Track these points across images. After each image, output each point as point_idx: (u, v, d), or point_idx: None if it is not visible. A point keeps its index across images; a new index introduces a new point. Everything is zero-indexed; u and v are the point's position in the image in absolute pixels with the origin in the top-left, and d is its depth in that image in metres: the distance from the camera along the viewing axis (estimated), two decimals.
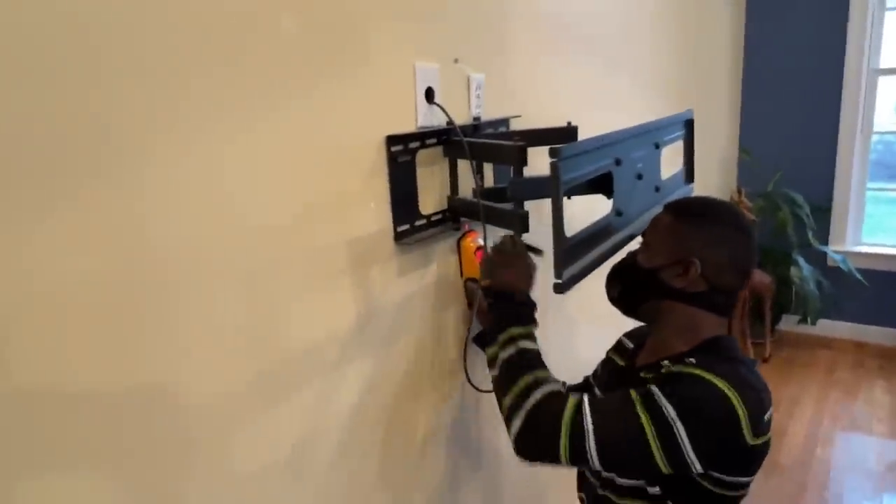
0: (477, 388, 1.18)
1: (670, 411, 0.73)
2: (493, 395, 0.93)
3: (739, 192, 3.22)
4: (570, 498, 1.82)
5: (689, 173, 1.36)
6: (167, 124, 0.69)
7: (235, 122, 0.75)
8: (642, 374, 0.88)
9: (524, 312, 0.95)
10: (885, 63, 3.22)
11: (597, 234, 0.92)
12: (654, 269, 0.89)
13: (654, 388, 0.75)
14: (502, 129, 1.28)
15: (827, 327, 3.45)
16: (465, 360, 1.12)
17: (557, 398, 0.82)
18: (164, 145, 0.69)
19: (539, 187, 1.01)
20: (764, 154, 3.40)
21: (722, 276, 0.87)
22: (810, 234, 3.26)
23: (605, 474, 0.88)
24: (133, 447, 0.69)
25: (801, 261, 3.21)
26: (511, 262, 0.99)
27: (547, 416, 0.80)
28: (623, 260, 0.98)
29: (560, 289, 0.78)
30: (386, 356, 1.05)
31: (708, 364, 0.79)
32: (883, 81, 3.27)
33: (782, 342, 3.44)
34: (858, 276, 3.19)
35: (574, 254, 0.83)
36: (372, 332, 1.01)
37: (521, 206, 0.99)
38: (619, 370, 0.97)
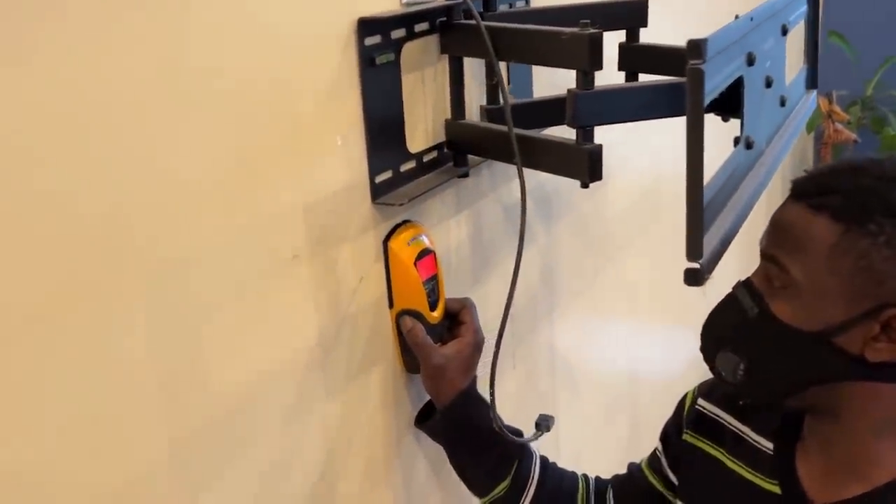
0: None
1: None
2: None
3: (829, 98, 3.30)
4: None
5: (812, 73, 1.35)
6: None
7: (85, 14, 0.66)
8: None
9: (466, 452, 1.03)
10: None
11: (726, 183, 0.88)
12: (820, 333, 0.78)
13: None
14: (521, 4, 1.23)
15: None
16: (492, 391, 1.07)
17: None
18: None
19: (617, 104, 0.97)
20: (862, 38, 3.48)
21: None
22: None
23: None
24: None
25: None
26: (420, 360, 1.01)
27: None
28: (730, 303, 0.85)
29: (695, 278, 0.73)
30: (363, 392, 1.00)
31: None
32: None
33: None
34: None
35: (707, 218, 0.79)
36: (341, 355, 0.96)
37: (590, 135, 0.94)
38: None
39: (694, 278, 0.73)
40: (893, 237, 0.75)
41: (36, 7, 0.60)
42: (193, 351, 0.77)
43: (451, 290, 1.17)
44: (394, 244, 0.99)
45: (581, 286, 1.61)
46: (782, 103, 1.13)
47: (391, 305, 1.01)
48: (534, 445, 1.07)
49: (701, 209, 0.71)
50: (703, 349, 0.87)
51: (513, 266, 1.31)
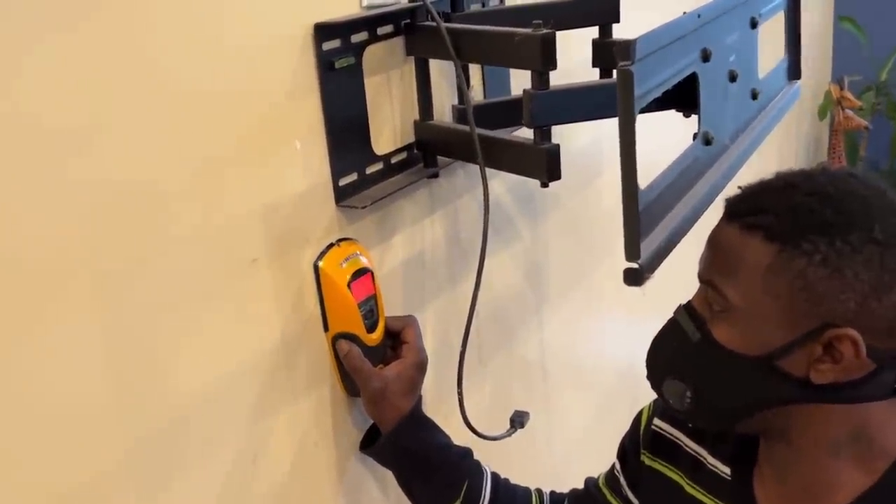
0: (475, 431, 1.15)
1: None
2: None
3: (840, 84, 3.27)
4: None
5: (794, 64, 1.34)
6: None
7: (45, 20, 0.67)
8: None
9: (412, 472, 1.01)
10: None
11: (678, 179, 0.88)
12: (763, 357, 0.77)
13: None
14: (494, 3, 1.23)
15: None
16: (459, 389, 1.08)
17: None
18: None
19: (574, 103, 0.97)
20: (875, 23, 3.44)
21: None
22: None
23: None
24: None
25: None
26: (360, 385, 0.98)
27: None
28: (672, 328, 0.85)
29: (634, 278, 0.73)
30: (331, 394, 1.01)
31: None
32: None
33: None
34: None
35: (651, 216, 0.79)
36: (306, 357, 0.97)
37: (548, 135, 0.94)
38: None
39: (633, 278, 0.74)
40: (829, 256, 0.74)
41: None
42: (145, 354, 0.78)
43: (427, 289, 1.18)
44: (325, 265, 0.95)
45: (572, 282, 1.61)
46: (754, 97, 1.12)
47: (326, 329, 0.98)
48: (485, 464, 1.05)
49: (636, 210, 0.72)
50: (650, 377, 0.86)
51: (492, 264, 1.32)
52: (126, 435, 0.77)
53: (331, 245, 0.96)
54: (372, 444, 1.03)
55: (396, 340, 1.03)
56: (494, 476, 1.06)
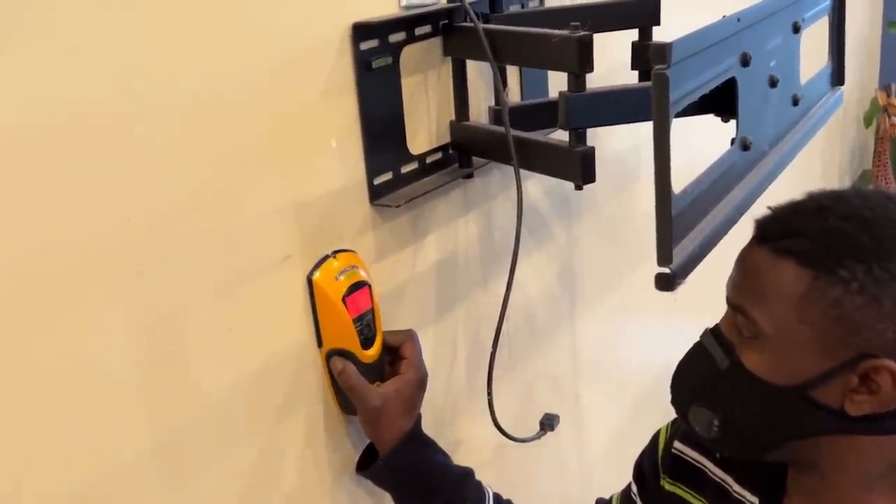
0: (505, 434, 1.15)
1: None
2: None
3: (887, 91, 3.22)
4: None
5: (837, 70, 1.32)
6: None
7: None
8: None
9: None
10: None
11: (714, 185, 0.87)
12: (795, 387, 0.74)
13: None
14: (533, 5, 1.23)
15: None
16: (489, 391, 1.08)
17: None
18: None
19: (610, 106, 0.97)
20: None
21: None
22: None
23: None
24: None
25: None
26: (356, 404, 0.94)
27: None
28: (699, 353, 0.82)
29: (667, 283, 0.73)
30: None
31: None
32: None
33: None
34: None
35: (684, 222, 0.79)
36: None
37: (583, 138, 0.94)
38: None
39: (665, 283, 0.73)
40: (866, 283, 0.71)
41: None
42: (180, 351, 0.79)
43: (460, 289, 1.19)
44: (318, 278, 0.91)
45: (607, 286, 1.60)
46: (795, 102, 1.11)
47: (320, 345, 0.94)
48: (486, 485, 1.02)
49: (669, 215, 0.71)
50: (675, 402, 0.84)
51: (526, 266, 1.32)
52: (153, 428, 0.78)
53: (326, 257, 0.93)
54: (369, 464, 0.98)
55: (395, 356, 0.99)
56: (496, 497, 1.02)
